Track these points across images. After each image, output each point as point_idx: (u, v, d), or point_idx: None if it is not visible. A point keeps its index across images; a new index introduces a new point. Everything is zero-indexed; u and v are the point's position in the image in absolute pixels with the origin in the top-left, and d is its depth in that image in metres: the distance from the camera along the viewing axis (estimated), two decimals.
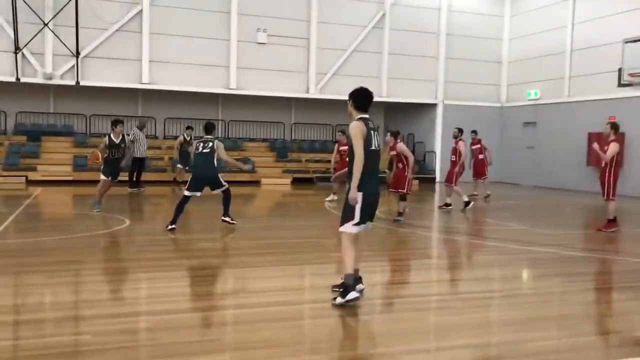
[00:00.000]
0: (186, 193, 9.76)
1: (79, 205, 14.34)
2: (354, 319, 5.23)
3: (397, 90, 23.96)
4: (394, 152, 11.59)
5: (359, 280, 5.66)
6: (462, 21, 24.73)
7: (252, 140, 24.30)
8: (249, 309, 5.44)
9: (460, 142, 14.01)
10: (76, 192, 16.72)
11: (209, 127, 10.31)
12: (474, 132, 17.16)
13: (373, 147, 5.69)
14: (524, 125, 24.05)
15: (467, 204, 13.53)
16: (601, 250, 9.44)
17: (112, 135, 11.95)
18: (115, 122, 12.21)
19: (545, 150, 22.67)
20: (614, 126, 10.92)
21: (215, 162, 10.01)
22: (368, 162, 5.57)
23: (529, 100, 24.06)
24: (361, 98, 6.00)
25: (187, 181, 10.09)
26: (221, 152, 10.09)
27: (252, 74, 21.99)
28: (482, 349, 4.62)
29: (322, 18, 22.65)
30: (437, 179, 24.29)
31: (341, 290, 5.46)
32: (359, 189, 5.51)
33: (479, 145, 17.02)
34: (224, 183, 10.23)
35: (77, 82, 19.74)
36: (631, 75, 14.42)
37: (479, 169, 16.85)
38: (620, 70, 14.82)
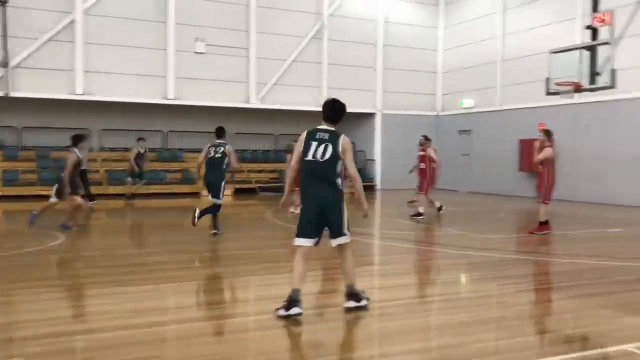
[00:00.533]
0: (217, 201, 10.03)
1: (10, 222, 13.71)
2: (297, 329, 5.25)
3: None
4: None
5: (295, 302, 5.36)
6: (398, 32, 25.34)
7: (192, 151, 23.96)
8: (191, 323, 5.36)
9: (429, 150, 14.25)
10: (6, 207, 15.99)
11: (220, 132, 10.26)
12: (425, 137, 17.29)
13: (308, 157, 5.62)
14: (459, 133, 24.81)
15: (439, 208, 14.39)
16: (534, 253, 9.85)
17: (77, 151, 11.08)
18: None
19: (479, 157, 23.46)
20: (547, 133, 11.43)
21: (224, 167, 10.22)
22: (304, 171, 5.58)
23: (463, 108, 24.87)
24: (324, 107, 6.12)
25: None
26: (232, 157, 10.12)
27: (191, 84, 21.73)
28: (423, 353, 4.74)
29: (261, 28, 22.67)
30: (378, 187, 24.71)
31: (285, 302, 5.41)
32: (300, 196, 5.68)
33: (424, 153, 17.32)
34: (221, 197, 10.07)
35: (7, 94, 18.92)
36: (557, 84, 15.10)
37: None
38: (547, 79, 15.50)
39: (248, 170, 23.05)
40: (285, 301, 5.41)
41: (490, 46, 23.57)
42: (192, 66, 21.71)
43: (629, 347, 4.68)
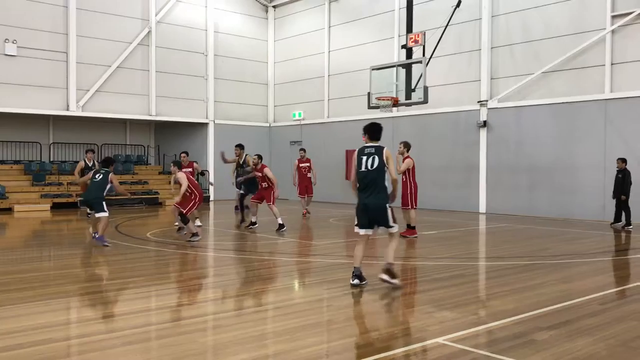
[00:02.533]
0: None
1: None
2: (131, 347, 4.95)
3: (167, 109, 23.56)
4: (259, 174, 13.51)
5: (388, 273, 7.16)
6: (229, 43, 25.38)
7: (2, 162, 21.65)
8: (8, 351, 4.79)
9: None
10: None
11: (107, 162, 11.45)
12: (303, 150, 17.81)
13: (362, 169, 7.23)
14: (291, 143, 25.48)
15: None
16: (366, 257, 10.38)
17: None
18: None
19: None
20: (407, 145, 12.20)
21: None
22: (360, 180, 7.27)
23: (294, 120, 25.61)
24: (365, 129, 7.59)
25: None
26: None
27: (1, 89, 19.66)
28: None
29: (82, 32, 21.26)
30: (212, 198, 24.38)
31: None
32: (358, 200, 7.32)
33: (308, 164, 17.62)
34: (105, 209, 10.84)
35: None
36: (378, 98, 16.21)
37: (308, 187, 17.85)
38: (369, 94, 16.57)
39: (68, 183, 21.38)
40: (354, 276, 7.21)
41: (318, 61, 24.61)
42: (2, 70, 19.69)
43: (440, 339, 5.13)
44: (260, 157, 13.98)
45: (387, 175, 7.23)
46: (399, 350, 4.94)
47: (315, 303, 6.83)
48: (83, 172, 15.71)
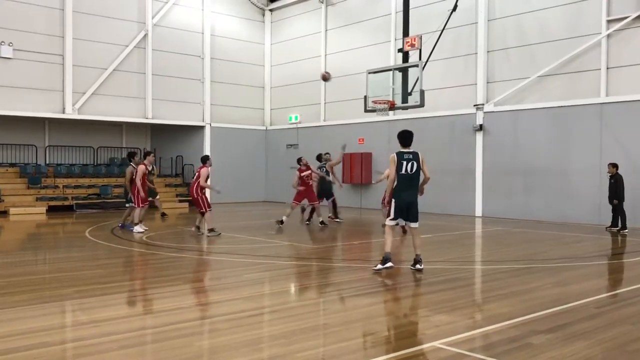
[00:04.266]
0: None
1: None
2: (126, 351, 4.93)
3: (163, 112, 23.55)
4: None
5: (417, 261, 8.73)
6: (225, 46, 25.40)
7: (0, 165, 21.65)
8: (4, 355, 4.77)
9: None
10: None
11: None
12: (300, 159, 16.81)
13: (402, 172, 8.50)
14: (287, 147, 25.49)
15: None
16: (357, 260, 10.39)
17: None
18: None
19: None
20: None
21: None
22: (400, 181, 8.54)
23: (291, 123, 25.62)
24: (399, 137, 8.77)
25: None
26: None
27: None
28: None
29: (78, 34, 21.25)
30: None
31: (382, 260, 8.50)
32: (394, 196, 8.58)
33: (309, 172, 16.87)
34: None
35: None
36: (374, 102, 16.22)
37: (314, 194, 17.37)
38: (365, 97, 16.58)
39: (64, 186, 21.34)
40: (381, 260, 8.55)
41: (314, 64, 24.63)
42: None
43: (436, 343, 5.13)
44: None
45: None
46: (395, 354, 4.93)
47: (311, 306, 6.82)
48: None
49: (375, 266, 8.62)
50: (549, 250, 11.43)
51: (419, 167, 8.59)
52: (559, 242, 12.72)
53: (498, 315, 6.14)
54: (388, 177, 13.08)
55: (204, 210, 13.20)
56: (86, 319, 6.08)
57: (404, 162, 8.52)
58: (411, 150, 8.65)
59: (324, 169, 16.47)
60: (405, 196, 8.56)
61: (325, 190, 16.35)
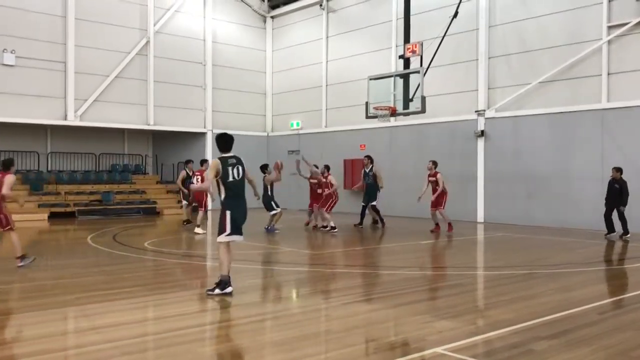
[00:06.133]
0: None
1: None
2: (128, 357, 4.94)
3: (165, 118, 23.60)
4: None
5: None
6: (227, 53, 25.48)
7: None
8: None
9: (439, 175, 15.61)
10: None
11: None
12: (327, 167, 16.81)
13: (231, 179, 7.48)
14: (289, 153, 25.49)
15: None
16: (359, 266, 10.39)
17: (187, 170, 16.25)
18: (188, 161, 16.86)
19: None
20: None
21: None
22: (231, 189, 7.50)
23: (292, 130, 25.66)
24: (219, 141, 7.76)
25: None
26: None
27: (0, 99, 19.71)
28: None
29: (80, 42, 21.33)
30: (209, 207, 24.33)
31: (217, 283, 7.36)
32: (229, 208, 7.45)
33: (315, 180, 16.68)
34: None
35: None
36: (376, 108, 16.25)
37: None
38: (367, 103, 16.61)
39: (65, 193, 21.35)
40: (218, 283, 7.46)
41: (315, 71, 24.69)
42: (0, 80, 19.72)
43: (439, 349, 5.12)
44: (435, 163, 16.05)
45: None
46: None
47: (313, 313, 6.81)
48: (184, 181, 16.53)
49: (213, 290, 7.41)
50: (551, 256, 11.41)
51: (244, 172, 7.70)
52: (560, 247, 12.70)
53: (500, 321, 6.12)
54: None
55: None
56: (88, 325, 6.08)
57: (230, 168, 7.52)
58: (233, 154, 7.74)
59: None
60: (243, 207, 7.64)
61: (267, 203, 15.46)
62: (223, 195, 7.53)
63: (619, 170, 14.23)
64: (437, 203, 15.62)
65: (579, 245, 13.05)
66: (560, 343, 5.32)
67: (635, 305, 7.06)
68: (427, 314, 6.55)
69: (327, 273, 9.41)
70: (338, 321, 6.32)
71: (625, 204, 14.14)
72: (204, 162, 16.34)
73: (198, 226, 15.07)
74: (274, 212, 15.40)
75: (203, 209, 15.58)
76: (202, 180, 15.34)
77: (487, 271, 9.97)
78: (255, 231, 15.02)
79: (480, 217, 19.04)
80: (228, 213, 7.50)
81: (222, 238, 7.51)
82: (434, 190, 15.65)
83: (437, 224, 15.82)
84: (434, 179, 15.65)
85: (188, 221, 17.12)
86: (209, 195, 14.91)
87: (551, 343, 5.31)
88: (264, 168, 15.81)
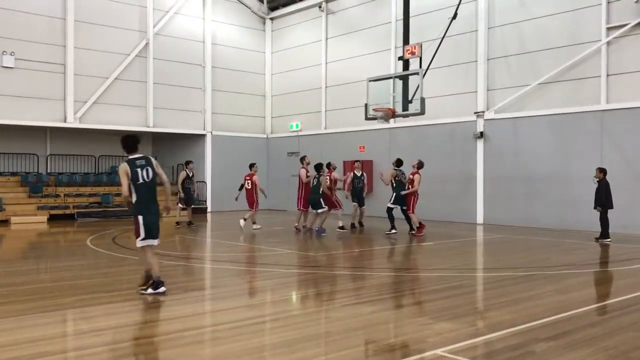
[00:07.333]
0: None
1: None
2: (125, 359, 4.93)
3: (165, 120, 23.60)
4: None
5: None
6: (226, 55, 25.49)
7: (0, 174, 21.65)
8: None
9: (417, 175, 15.00)
10: None
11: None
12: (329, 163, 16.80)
13: (141, 181, 7.24)
14: (288, 154, 25.51)
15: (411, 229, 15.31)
16: (358, 268, 10.38)
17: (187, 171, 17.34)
18: (188, 162, 17.92)
19: None
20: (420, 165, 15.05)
21: None
22: (141, 191, 7.29)
23: (292, 131, 25.66)
24: (124, 143, 7.46)
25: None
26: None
27: None
28: None
29: (80, 44, 21.33)
30: (209, 209, 24.36)
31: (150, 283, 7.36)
32: (141, 212, 7.31)
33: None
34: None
35: None
36: (375, 109, 16.25)
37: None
38: (366, 105, 16.61)
39: (65, 195, 21.34)
40: (151, 284, 7.45)
41: (315, 72, 24.70)
42: (0, 82, 19.73)
43: (439, 351, 5.11)
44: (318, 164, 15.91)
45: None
46: None
47: (313, 314, 6.81)
48: (184, 182, 17.72)
49: (146, 289, 7.49)
50: (550, 257, 11.41)
51: (155, 173, 7.47)
52: (560, 249, 12.70)
53: (500, 322, 6.12)
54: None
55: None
56: (87, 327, 6.07)
57: (139, 170, 7.32)
58: (141, 155, 7.52)
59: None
60: (155, 210, 7.55)
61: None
62: (134, 199, 7.34)
63: (602, 170, 13.79)
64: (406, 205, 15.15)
65: (578, 247, 13.05)
66: (560, 344, 5.32)
67: (635, 307, 7.06)
68: (427, 316, 6.55)
69: (326, 275, 9.40)
70: (338, 323, 6.31)
71: (604, 205, 13.63)
72: (252, 165, 17.17)
73: (254, 222, 16.47)
74: (321, 210, 15.32)
75: (254, 209, 16.54)
76: (253, 185, 16.59)
77: (486, 273, 9.96)
78: (265, 232, 15.00)
79: (479, 218, 19.04)
80: (140, 218, 7.38)
81: (139, 243, 7.52)
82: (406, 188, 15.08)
83: (420, 224, 15.13)
84: (411, 177, 15.06)
85: (178, 223, 17.74)
86: (259, 193, 16.55)
87: (551, 344, 5.31)
88: (318, 168, 15.74)
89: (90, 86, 21.58)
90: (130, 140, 7.43)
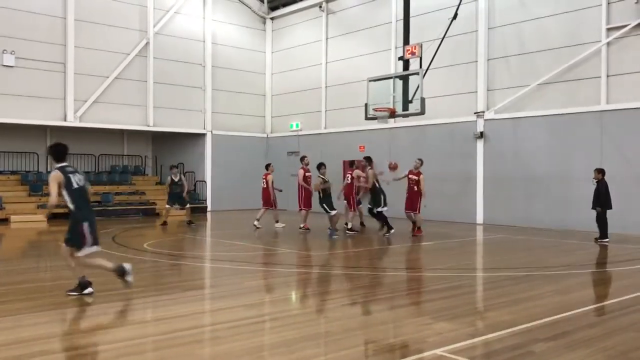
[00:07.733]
0: None
1: None
2: (127, 359, 4.93)
3: (165, 119, 23.60)
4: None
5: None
6: (226, 54, 25.49)
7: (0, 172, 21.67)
8: None
9: (422, 175, 14.83)
10: None
11: None
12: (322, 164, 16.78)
13: (75, 187, 7.27)
14: (288, 154, 25.50)
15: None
16: (358, 267, 10.38)
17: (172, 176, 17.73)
18: (172, 166, 18.53)
19: None
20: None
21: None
22: (78, 197, 7.31)
23: (292, 131, 25.66)
24: (53, 152, 7.47)
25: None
26: None
27: None
28: None
29: (80, 43, 21.34)
30: (209, 208, 24.36)
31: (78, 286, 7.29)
32: (84, 220, 7.25)
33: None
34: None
35: None
36: (375, 109, 16.25)
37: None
38: (366, 105, 16.61)
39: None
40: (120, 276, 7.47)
41: (315, 72, 24.70)
42: (0, 80, 19.73)
43: (438, 351, 5.12)
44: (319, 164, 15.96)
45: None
46: None
47: (312, 314, 6.81)
48: (170, 187, 18.26)
49: (73, 291, 7.41)
50: (550, 257, 11.41)
51: (85, 180, 7.59)
52: (559, 249, 12.70)
53: (500, 323, 6.12)
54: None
55: None
56: (86, 326, 6.08)
57: (71, 176, 7.31)
58: (67, 163, 7.53)
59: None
60: (93, 214, 7.58)
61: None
62: (72, 206, 7.28)
63: (600, 171, 13.75)
64: (413, 206, 14.92)
65: (578, 247, 13.05)
66: (559, 345, 5.32)
67: (634, 307, 7.06)
68: (426, 316, 6.55)
69: (326, 274, 9.40)
70: (337, 323, 6.31)
71: (602, 206, 13.58)
72: (267, 165, 17.76)
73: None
74: (333, 212, 14.96)
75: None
76: (268, 184, 17.14)
77: (486, 273, 9.97)
78: (259, 231, 15.01)
79: (479, 218, 19.05)
80: (86, 225, 7.28)
81: (85, 252, 7.31)
82: (411, 190, 14.93)
83: (415, 224, 15.12)
84: (416, 178, 14.83)
85: (165, 222, 17.90)
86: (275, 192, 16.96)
87: (550, 345, 5.31)
88: (320, 167, 15.68)
89: (90, 85, 21.58)
90: (60, 148, 7.44)
